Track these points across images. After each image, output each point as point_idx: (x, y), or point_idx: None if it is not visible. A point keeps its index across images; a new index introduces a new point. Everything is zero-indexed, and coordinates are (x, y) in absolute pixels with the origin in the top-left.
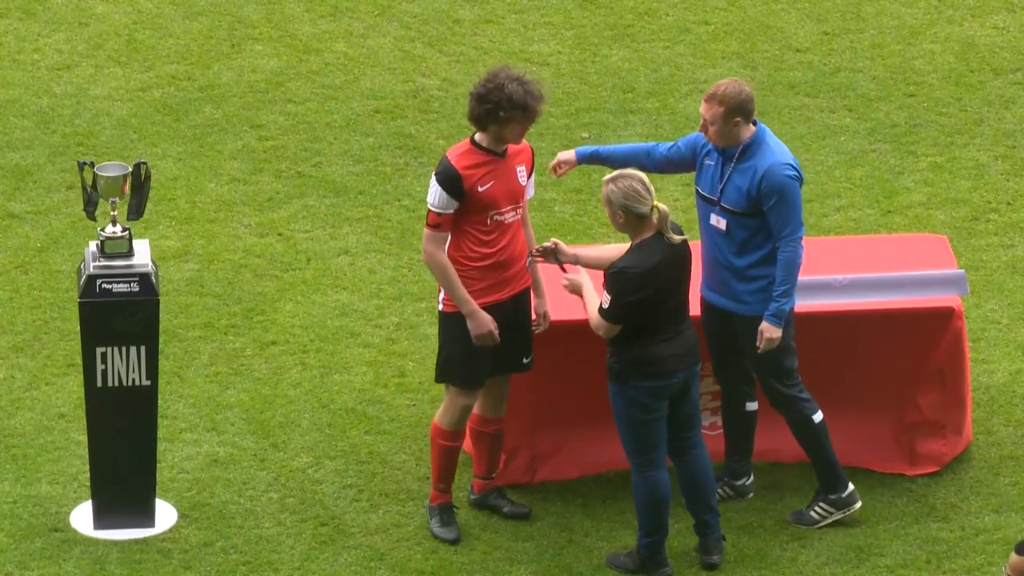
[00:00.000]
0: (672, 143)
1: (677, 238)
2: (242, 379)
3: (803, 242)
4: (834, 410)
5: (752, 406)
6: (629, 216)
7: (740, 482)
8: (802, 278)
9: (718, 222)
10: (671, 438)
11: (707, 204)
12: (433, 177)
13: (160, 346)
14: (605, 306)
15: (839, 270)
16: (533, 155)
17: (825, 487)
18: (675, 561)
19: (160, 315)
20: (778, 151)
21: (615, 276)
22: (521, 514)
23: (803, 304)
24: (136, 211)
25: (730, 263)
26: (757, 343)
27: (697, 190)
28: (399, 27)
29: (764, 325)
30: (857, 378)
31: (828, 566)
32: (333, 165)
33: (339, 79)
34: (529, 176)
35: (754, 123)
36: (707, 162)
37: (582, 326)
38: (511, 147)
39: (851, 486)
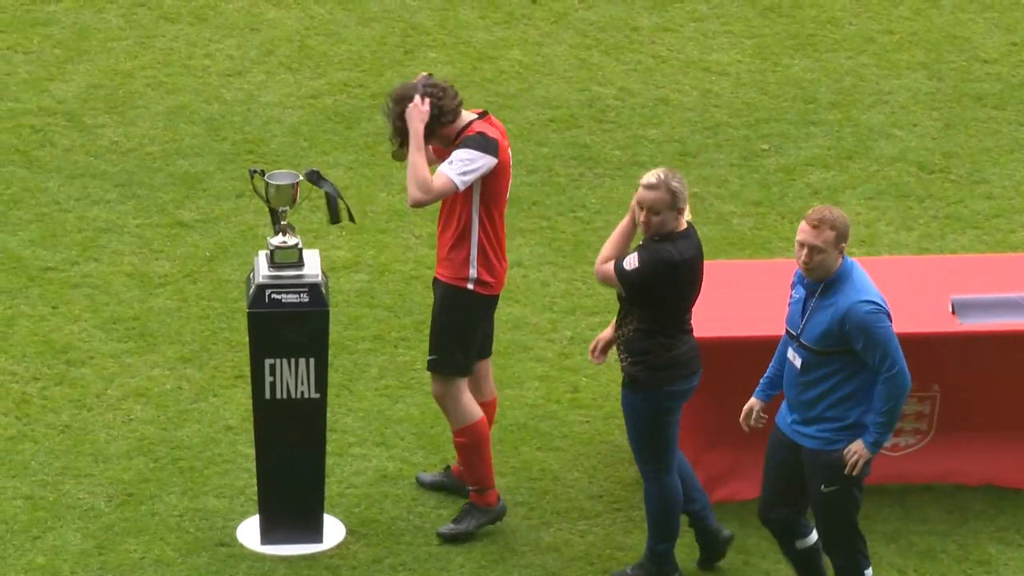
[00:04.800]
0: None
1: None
2: (412, 393)
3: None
4: (1001, 431)
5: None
6: (682, 211)
7: None
8: (985, 296)
9: (794, 358)
10: None
11: (789, 338)
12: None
13: (329, 358)
14: (630, 267)
15: (1022, 288)
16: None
17: None
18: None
19: (330, 327)
20: (860, 286)
21: (654, 250)
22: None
23: (982, 323)
24: (336, 216)
25: (799, 398)
26: (847, 461)
27: (786, 324)
28: (575, 35)
29: (857, 445)
30: None
31: None
32: None
33: (513, 87)
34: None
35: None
36: (793, 295)
37: (755, 344)
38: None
39: None
